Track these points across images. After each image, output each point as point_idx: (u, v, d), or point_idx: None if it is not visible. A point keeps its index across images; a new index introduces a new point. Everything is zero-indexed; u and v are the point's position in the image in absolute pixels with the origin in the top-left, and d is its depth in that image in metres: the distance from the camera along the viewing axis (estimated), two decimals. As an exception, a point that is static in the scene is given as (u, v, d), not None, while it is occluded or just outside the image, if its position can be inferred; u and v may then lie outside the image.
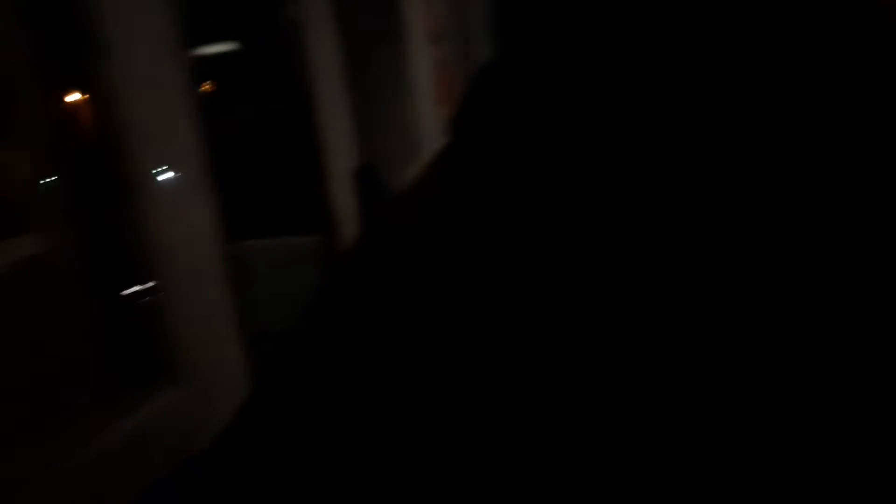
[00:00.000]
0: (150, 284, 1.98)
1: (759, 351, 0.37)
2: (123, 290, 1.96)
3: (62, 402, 1.78)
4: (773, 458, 0.35)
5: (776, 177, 0.40)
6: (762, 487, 0.35)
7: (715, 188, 0.40)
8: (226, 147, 2.90)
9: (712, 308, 0.38)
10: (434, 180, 0.51)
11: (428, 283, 0.45)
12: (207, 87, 3.51)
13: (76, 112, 1.89)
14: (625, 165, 0.41)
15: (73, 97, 1.90)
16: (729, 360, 0.37)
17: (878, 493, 0.35)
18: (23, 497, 1.56)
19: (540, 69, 0.45)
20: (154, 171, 2.04)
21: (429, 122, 4.56)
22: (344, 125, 3.59)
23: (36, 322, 1.75)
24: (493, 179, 0.46)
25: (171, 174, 2.10)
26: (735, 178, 0.40)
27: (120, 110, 1.93)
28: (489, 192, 0.44)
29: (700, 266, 0.39)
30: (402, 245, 0.49)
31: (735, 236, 0.39)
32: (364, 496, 0.42)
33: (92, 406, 1.84)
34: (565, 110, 0.44)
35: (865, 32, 0.42)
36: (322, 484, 0.44)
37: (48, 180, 1.83)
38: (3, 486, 1.55)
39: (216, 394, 2.18)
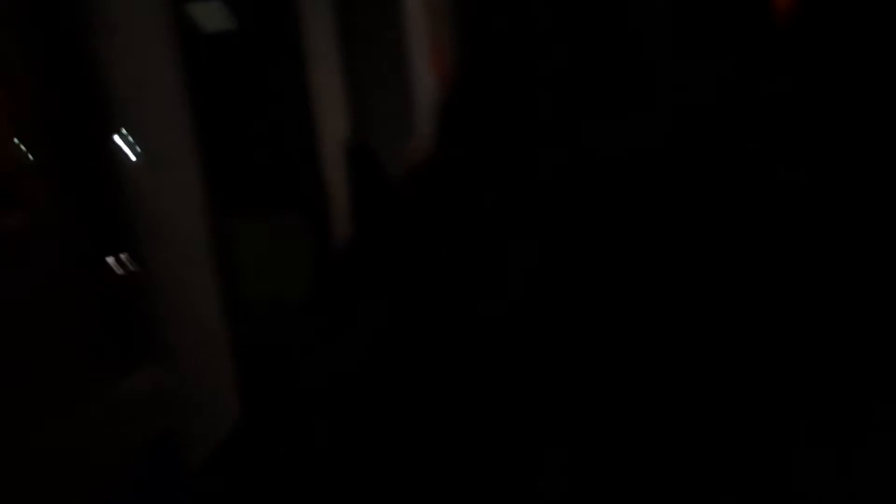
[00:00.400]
0: (134, 258, 1.94)
1: (838, 347, 0.36)
2: (107, 263, 1.93)
3: (43, 377, 1.75)
4: (860, 458, 0.35)
5: (855, 150, 0.38)
6: (845, 487, 0.34)
7: (790, 159, 0.39)
8: (216, 116, 2.85)
9: (794, 300, 0.37)
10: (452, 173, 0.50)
11: (494, 279, 0.44)
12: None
13: (60, 79, 1.84)
14: (697, 143, 0.40)
15: (57, 62, 1.85)
16: (810, 356, 0.36)
17: None
18: (6, 467, 1.55)
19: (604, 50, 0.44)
20: (140, 141, 1.99)
21: (425, 97, 4.52)
22: (337, 98, 3.55)
23: (18, 297, 1.71)
24: (564, 165, 0.44)
25: (158, 144, 2.05)
26: (812, 149, 0.39)
27: (105, 76, 1.88)
28: (559, 178, 0.43)
29: (786, 249, 0.38)
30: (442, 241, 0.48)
31: (823, 216, 0.38)
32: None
33: (74, 380, 1.81)
34: (629, 89, 0.43)
35: None
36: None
37: (33, 151, 1.79)
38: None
39: (199, 370, 2.15)
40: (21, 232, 1.71)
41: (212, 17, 3.44)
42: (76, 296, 1.86)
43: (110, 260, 1.93)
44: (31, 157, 1.77)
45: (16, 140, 1.74)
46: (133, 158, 1.96)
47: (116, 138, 1.92)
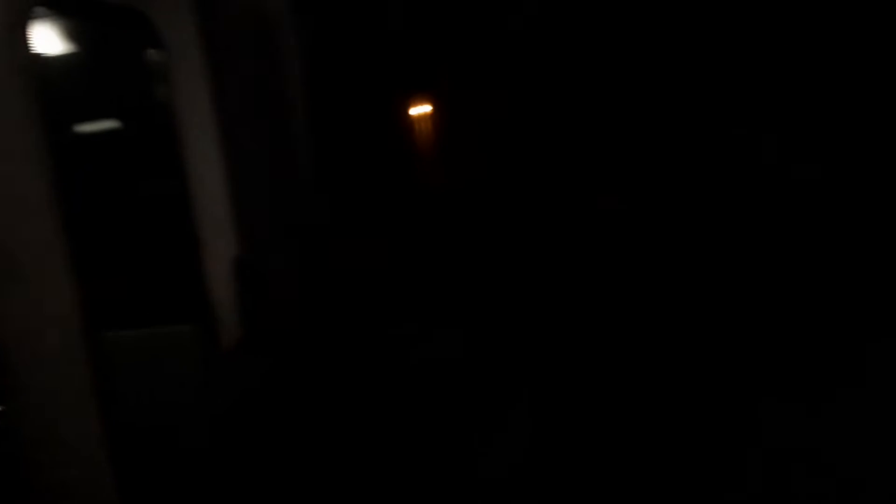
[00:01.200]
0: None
1: (814, 304, 0.38)
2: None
3: None
4: (828, 412, 0.36)
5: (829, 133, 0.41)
6: (812, 438, 0.35)
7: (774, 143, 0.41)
8: (95, 229, 2.76)
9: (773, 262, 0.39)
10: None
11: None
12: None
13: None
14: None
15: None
16: (784, 311, 0.37)
17: None
18: None
19: None
20: (6, 252, 1.88)
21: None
22: (222, 212, 3.50)
23: None
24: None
25: (26, 255, 1.95)
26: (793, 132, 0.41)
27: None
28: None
29: (754, 218, 0.40)
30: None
31: (791, 189, 0.40)
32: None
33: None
34: None
35: None
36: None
37: None
38: None
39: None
40: None
41: (91, 134, 3.38)
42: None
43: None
44: None
45: None
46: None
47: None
